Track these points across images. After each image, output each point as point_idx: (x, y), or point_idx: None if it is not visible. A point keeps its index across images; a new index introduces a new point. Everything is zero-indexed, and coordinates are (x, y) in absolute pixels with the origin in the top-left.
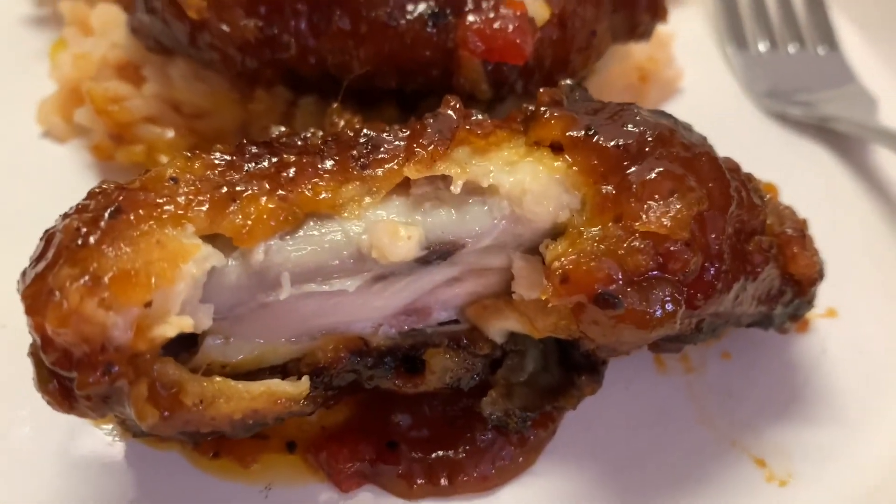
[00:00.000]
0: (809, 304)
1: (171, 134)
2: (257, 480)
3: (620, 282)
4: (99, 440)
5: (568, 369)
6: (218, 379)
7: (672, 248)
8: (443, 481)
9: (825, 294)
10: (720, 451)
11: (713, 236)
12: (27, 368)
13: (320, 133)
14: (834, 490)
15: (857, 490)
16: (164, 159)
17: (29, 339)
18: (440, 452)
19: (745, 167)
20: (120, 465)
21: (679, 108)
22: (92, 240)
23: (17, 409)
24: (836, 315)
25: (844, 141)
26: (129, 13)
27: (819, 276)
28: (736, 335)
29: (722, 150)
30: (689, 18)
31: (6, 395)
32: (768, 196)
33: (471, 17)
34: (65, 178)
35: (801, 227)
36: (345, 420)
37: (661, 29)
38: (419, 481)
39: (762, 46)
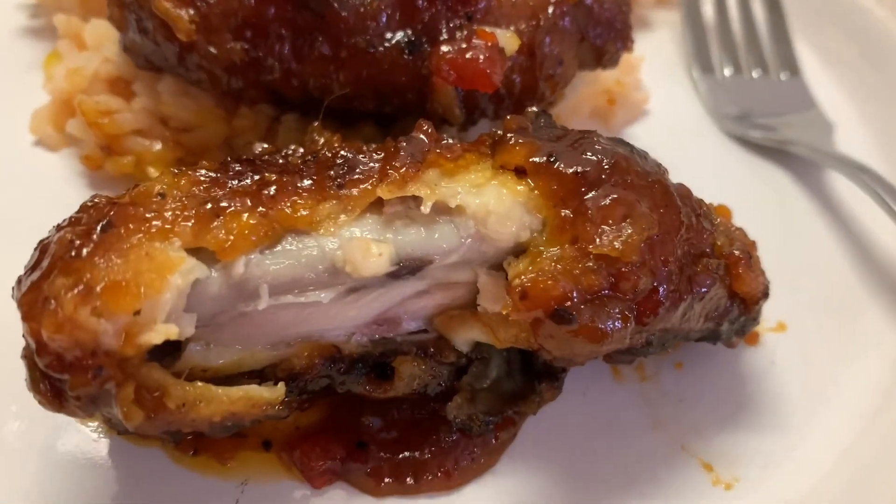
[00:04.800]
0: (754, 320)
1: (158, 146)
2: (234, 476)
3: (575, 300)
4: (85, 437)
5: (529, 376)
6: (199, 384)
7: (623, 270)
8: (409, 480)
9: (776, 309)
10: (670, 455)
11: (662, 259)
12: (18, 368)
13: (301, 150)
14: (775, 493)
15: (796, 493)
16: (151, 170)
17: (19, 340)
18: (407, 453)
19: (705, 186)
20: (104, 461)
21: (645, 130)
22: (85, 251)
23: (7, 406)
24: (784, 329)
25: (801, 164)
26: (122, 32)
27: (763, 295)
28: (688, 346)
29: (683, 169)
30: (658, 43)
31: None
32: (719, 219)
33: (444, 48)
34: (56, 186)
35: (750, 248)
36: (318, 421)
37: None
38: (387, 479)
39: (727, 71)
